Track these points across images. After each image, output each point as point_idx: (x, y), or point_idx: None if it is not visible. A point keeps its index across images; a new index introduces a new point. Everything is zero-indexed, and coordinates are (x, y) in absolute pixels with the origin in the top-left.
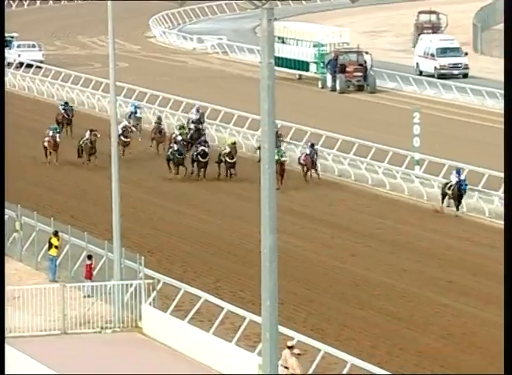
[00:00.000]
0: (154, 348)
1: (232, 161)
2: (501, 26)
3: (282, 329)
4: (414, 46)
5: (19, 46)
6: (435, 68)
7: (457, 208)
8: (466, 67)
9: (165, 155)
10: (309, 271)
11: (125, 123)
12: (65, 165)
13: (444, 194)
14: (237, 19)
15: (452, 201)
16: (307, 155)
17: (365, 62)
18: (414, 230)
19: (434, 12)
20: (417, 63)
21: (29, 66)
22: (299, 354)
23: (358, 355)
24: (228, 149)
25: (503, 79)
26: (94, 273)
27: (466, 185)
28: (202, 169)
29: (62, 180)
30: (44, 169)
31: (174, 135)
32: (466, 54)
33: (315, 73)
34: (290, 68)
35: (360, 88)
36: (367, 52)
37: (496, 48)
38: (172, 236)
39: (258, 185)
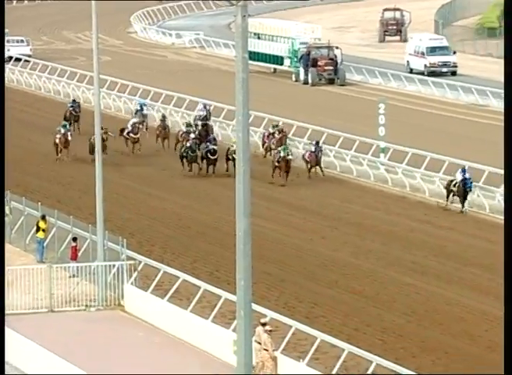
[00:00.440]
0: (135, 324)
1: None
2: (461, 22)
3: (255, 307)
4: (380, 41)
5: (8, 41)
6: (425, 66)
7: (463, 205)
8: (454, 65)
9: (179, 152)
10: (281, 253)
11: (134, 119)
12: (73, 160)
13: (449, 192)
14: (213, 16)
15: (457, 198)
16: (311, 152)
17: (335, 56)
18: (380, 214)
19: (398, 10)
20: (408, 61)
21: (17, 59)
22: (271, 330)
23: (327, 332)
24: (235, 147)
25: (462, 72)
26: (79, 254)
27: (471, 183)
28: (211, 166)
29: (55, 170)
30: (35, 158)
31: (181, 132)
32: (454, 52)
33: (289, 67)
34: (266, 62)
35: (330, 81)
36: (337, 47)
37: (457, 43)
38: (152, 220)
39: (254, 178)
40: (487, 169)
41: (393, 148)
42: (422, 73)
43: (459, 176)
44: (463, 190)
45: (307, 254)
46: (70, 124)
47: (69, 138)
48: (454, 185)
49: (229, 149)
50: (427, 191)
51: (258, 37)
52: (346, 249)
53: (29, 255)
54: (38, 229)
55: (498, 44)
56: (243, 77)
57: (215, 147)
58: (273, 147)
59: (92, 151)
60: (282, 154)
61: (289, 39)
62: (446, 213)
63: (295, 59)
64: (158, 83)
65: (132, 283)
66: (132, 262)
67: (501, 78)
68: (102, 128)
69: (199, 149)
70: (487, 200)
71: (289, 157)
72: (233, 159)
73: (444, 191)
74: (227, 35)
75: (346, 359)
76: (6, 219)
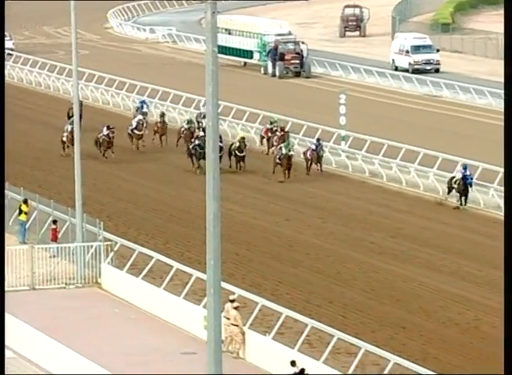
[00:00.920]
0: (111, 301)
1: (241, 154)
2: (416, 18)
3: (224, 285)
4: (341, 36)
5: None
6: (410, 64)
7: (465, 202)
8: (438, 63)
9: (187, 150)
10: (248, 234)
11: (139, 117)
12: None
13: (450, 188)
14: (185, 13)
15: (458, 194)
16: (313, 150)
17: (301, 50)
18: (341, 198)
19: (358, 6)
20: (393, 59)
21: None
22: (237, 306)
23: (292, 308)
24: (238, 144)
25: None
26: (59, 235)
27: (471, 179)
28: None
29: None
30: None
31: (183, 129)
32: (438, 50)
33: (258, 60)
34: (236, 56)
35: (297, 74)
36: (303, 42)
37: None
38: (128, 203)
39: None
40: (440, 156)
41: (353, 136)
42: (407, 71)
43: (459, 174)
44: (463, 187)
45: (273, 235)
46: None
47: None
48: (455, 182)
49: (231, 145)
50: (385, 177)
51: (229, 33)
52: (310, 231)
53: (12, 236)
54: (21, 212)
55: (451, 39)
56: (213, 70)
57: (221, 144)
58: (275, 144)
59: (99, 148)
60: (284, 151)
61: (257, 34)
62: (403, 197)
63: (264, 53)
64: (133, 76)
65: (108, 263)
66: (108, 243)
67: (454, 70)
68: (109, 127)
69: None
70: (440, 184)
71: (291, 153)
72: (235, 155)
73: (401, 176)
74: (198, 30)
75: (309, 334)
76: None
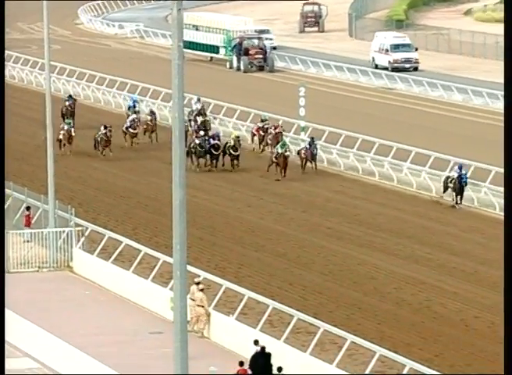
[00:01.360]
0: (82, 284)
1: (236, 153)
2: (372, 15)
3: (190, 268)
4: (300, 32)
5: None
6: (389, 62)
7: (460, 201)
8: (416, 61)
9: (187, 148)
10: (213, 220)
11: (133, 116)
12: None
13: (446, 188)
14: (152, 9)
15: (454, 193)
16: (307, 149)
17: (265, 46)
18: (300, 185)
19: (316, 4)
20: (373, 58)
21: None
22: (203, 290)
23: (254, 290)
24: (232, 142)
25: (371, 58)
26: (32, 221)
27: (466, 178)
28: (214, 161)
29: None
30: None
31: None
32: (416, 49)
33: (224, 55)
34: (203, 51)
35: (260, 68)
36: (266, 38)
37: (367, 34)
38: (98, 191)
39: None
40: (395, 145)
41: (312, 127)
42: (386, 69)
43: (455, 173)
44: (459, 186)
45: (236, 221)
46: (66, 118)
47: (73, 134)
48: (451, 181)
49: (226, 144)
50: (342, 165)
51: (197, 29)
52: (271, 217)
53: None
54: None
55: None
56: (179, 64)
57: (218, 142)
58: (269, 142)
59: (96, 146)
60: (279, 150)
61: (223, 30)
62: (360, 184)
63: (229, 48)
64: (103, 69)
65: (80, 247)
66: (79, 228)
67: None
68: (106, 126)
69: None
70: (395, 172)
71: (287, 153)
72: (230, 154)
73: (358, 165)
74: (164, 26)
75: (270, 314)
76: None
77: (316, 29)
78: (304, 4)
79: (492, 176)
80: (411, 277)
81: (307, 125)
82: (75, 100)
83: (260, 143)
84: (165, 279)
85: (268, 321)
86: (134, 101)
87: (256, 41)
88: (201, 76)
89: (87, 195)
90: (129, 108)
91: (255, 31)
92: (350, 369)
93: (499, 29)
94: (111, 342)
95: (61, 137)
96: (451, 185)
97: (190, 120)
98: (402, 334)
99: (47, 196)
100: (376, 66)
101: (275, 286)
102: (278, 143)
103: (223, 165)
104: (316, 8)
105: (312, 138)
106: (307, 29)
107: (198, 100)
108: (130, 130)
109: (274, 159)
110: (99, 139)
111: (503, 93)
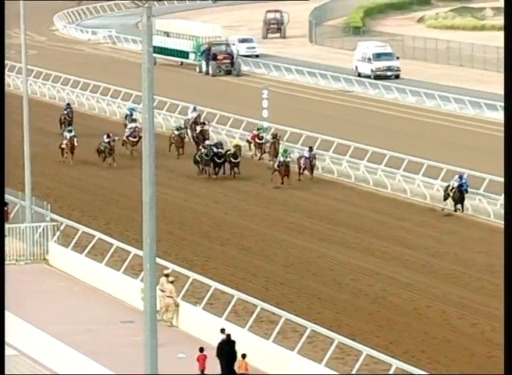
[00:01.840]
0: (58, 276)
1: (236, 161)
2: (331, 22)
3: (159, 261)
4: (263, 38)
5: None
6: (372, 70)
7: (462, 209)
8: (398, 69)
9: (193, 157)
10: (181, 215)
11: (133, 124)
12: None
13: (446, 196)
14: (123, 16)
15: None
16: (306, 158)
17: (232, 51)
18: (262, 181)
19: (278, 11)
20: (356, 66)
21: None
22: (172, 281)
23: (219, 281)
24: (233, 150)
25: (333, 63)
26: (10, 216)
27: (467, 186)
28: (217, 169)
29: None
30: None
31: (173, 135)
32: (397, 58)
33: (194, 60)
34: (174, 56)
35: (228, 72)
36: (233, 44)
37: (326, 40)
38: (72, 188)
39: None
40: (352, 145)
41: (275, 127)
42: (369, 77)
43: (455, 182)
44: (459, 195)
45: (203, 216)
46: (64, 126)
47: (75, 143)
48: (451, 190)
49: (226, 152)
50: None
51: (167, 35)
52: (235, 212)
53: None
54: None
55: (361, 41)
56: (148, 68)
57: (222, 151)
58: (267, 150)
59: (100, 155)
60: (281, 158)
61: (193, 37)
62: (319, 181)
63: (198, 54)
64: (77, 73)
65: (55, 241)
66: (55, 223)
67: (350, 66)
68: (109, 135)
69: (212, 154)
70: (352, 170)
71: (288, 160)
72: (230, 162)
73: (317, 164)
74: (135, 32)
75: (235, 304)
76: None
77: (278, 35)
78: (267, 11)
79: (443, 173)
80: (368, 269)
81: (269, 126)
82: (72, 109)
83: (256, 150)
84: (135, 271)
85: (233, 310)
86: (131, 110)
87: (224, 47)
88: (172, 80)
89: (63, 192)
90: (126, 116)
91: (238, 40)
92: (310, 355)
93: (450, 35)
94: (84, 331)
95: (63, 146)
96: (451, 194)
97: (186, 128)
98: (359, 323)
99: (24, 193)
100: (359, 74)
101: (239, 277)
102: (276, 151)
103: (224, 172)
104: (278, 15)
105: (311, 147)
106: (269, 35)
107: (194, 109)
108: (131, 138)
109: (276, 167)
110: (102, 148)
111: (454, 95)
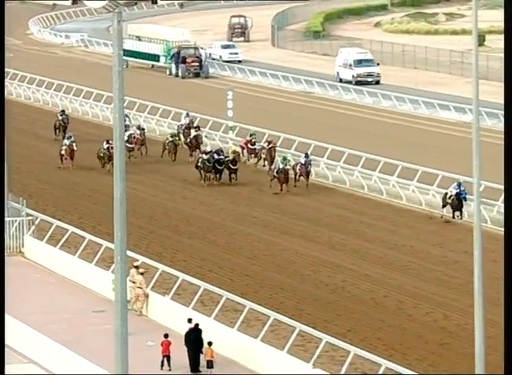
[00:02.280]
0: (33, 268)
1: (234, 167)
2: (292, 26)
3: (129, 253)
4: (228, 41)
5: None
6: (353, 76)
7: (460, 217)
8: (378, 75)
9: (195, 164)
10: (151, 210)
11: (130, 131)
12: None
13: (445, 204)
14: (95, 21)
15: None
16: (302, 164)
17: (200, 55)
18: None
19: (242, 16)
20: (338, 72)
21: None
22: (142, 273)
23: (187, 272)
24: (231, 157)
25: (293, 66)
26: None
27: (465, 194)
28: (217, 175)
29: None
30: None
31: (167, 141)
32: (378, 64)
33: (164, 63)
34: (145, 59)
35: (196, 75)
36: (202, 48)
37: (288, 43)
38: (47, 184)
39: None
40: (313, 143)
41: (240, 126)
42: (350, 82)
43: (453, 190)
44: (457, 202)
45: (171, 211)
46: (58, 132)
47: (75, 149)
48: (449, 198)
49: (225, 158)
50: (266, 161)
51: (139, 39)
52: (203, 207)
53: None
54: None
55: (321, 44)
56: (119, 70)
57: (222, 157)
58: (263, 156)
59: (100, 161)
60: (281, 166)
61: (163, 41)
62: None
63: (168, 57)
64: (50, 74)
65: (30, 235)
66: (30, 217)
67: (324, 70)
68: (109, 141)
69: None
70: (313, 168)
71: (288, 167)
72: (229, 168)
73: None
74: (106, 36)
75: (202, 294)
76: None
77: (242, 39)
78: (232, 16)
79: (398, 170)
80: (328, 261)
81: (234, 125)
82: (67, 116)
83: (248, 156)
84: (107, 263)
85: (200, 300)
86: (125, 116)
87: (192, 51)
88: (143, 82)
89: (38, 188)
90: None
91: (221, 46)
92: (273, 342)
93: (405, 39)
94: (58, 320)
95: (63, 152)
96: (449, 201)
97: (179, 133)
98: (319, 312)
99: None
100: (340, 80)
101: (206, 269)
102: (272, 157)
103: (220, 178)
104: (242, 20)
105: (306, 154)
106: (234, 39)
107: (187, 115)
108: (127, 144)
109: (275, 174)
110: (102, 154)
111: (409, 96)
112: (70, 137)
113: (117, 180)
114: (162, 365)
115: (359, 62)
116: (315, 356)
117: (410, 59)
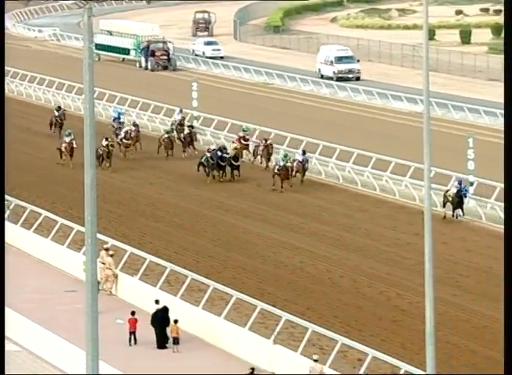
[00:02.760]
0: (8, 250)
1: (236, 164)
2: (253, 21)
3: (99, 236)
4: (193, 36)
5: None
6: (334, 72)
7: (462, 214)
8: (358, 72)
9: (199, 161)
10: (119, 195)
11: (127, 128)
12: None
13: (445, 202)
14: (67, 16)
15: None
16: (299, 162)
17: (168, 48)
18: (192, 164)
19: (206, 12)
20: (319, 69)
21: None
22: (111, 255)
23: (154, 254)
24: (233, 153)
25: (253, 58)
26: None
27: (466, 191)
28: (221, 172)
29: None
30: None
31: (163, 137)
32: (358, 61)
33: (134, 56)
34: (116, 53)
35: (165, 67)
36: (170, 42)
37: (249, 38)
38: (20, 170)
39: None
40: (273, 132)
41: (204, 116)
42: (331, 79)
43: (454, 188)
44: (457, 200)
45: (139, 196)
46: (54, 128)
47: (75, 146)
48: (450, 195)
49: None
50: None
51: (110, 34)
52: (169, 193)
53: None
54: None
55: (281, 39)
56: (89, 62)
57: (225, 155)
58: (260, 153)
59: (98, 159)
60: (282, 163)
61: (133, 35)
62: (245, 167)
63: (138, 51)
64: (24, 67)
65: (5, 219)
66: (5, 202)
67: (284, 63)
68: (108, 139)
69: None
70: (274, 155)
71: (289, 164)
72: (231, 164)
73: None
74: (77, 30)
75: (168, 275)
76: None
77: (206, 33)
78: (196, 12)
79: (354, 157)
80: (287, 243)
81: (199, 115)
82: (64, 112)
83: (242, 152)
84: (78, 245)
85: (167, 281)
86: (119, 113)
87: (161, 45)
88: (114, 74)
89: (12, 174)
90: (114, 119)
91: (204, 43)
92: (236, 320)
93: (360, 33)
94: (32, 299)
95: (62, 149)
96: (450, 199)
97: (172, 130)
98: (279, 291)
99: None
100: (322, 76)
101: (172, 251)
102: (269, 154)
103: (225, 175)
104: (206, 15)
105: (304, 151)
106: (198, 33)
107: (180, 111)
108: (124, 140)
109: (276, 171)
110: (101, 152)
111: (363, 87)
112: (70, 134)
113: (87, 167)
114: (130, 341)
115: (340, 59)
116: (275, 333)
117: (364, 53)
